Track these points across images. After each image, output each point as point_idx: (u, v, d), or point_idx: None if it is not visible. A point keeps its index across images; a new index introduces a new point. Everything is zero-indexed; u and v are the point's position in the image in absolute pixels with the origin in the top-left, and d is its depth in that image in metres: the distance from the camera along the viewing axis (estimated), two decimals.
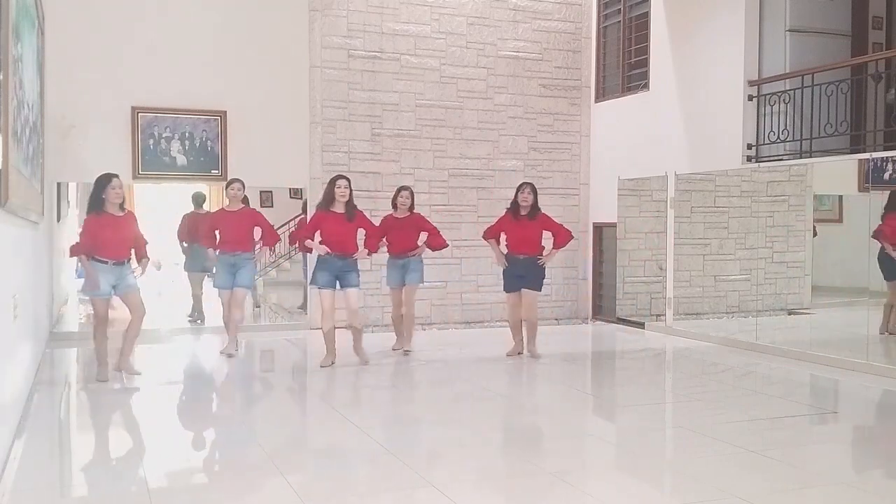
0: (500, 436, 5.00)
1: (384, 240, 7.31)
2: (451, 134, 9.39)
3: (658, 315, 9.05)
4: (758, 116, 7.81)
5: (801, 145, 7.48)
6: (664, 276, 8.90)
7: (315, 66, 8.83)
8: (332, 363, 6.74)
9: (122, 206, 6.18)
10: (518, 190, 7.17)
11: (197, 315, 9.22)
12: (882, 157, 7.05)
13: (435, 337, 8.11)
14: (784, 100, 7.53)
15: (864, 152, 7.16)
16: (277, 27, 8.72)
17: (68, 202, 10.55)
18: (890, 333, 7.43)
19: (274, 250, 8.62)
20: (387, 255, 7.49)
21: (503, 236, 7.21)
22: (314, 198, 8.89)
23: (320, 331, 6.89)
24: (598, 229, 9.99)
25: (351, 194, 6.75)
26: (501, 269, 7.23)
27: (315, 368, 7.01)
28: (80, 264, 6.30)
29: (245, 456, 4.58)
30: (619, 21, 9.68)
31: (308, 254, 6.63)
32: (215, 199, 11.27)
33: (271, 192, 9.58)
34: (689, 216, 8.96)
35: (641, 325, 9.10)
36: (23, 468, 4.02)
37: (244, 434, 5.08)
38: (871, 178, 7.08)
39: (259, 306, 10.04)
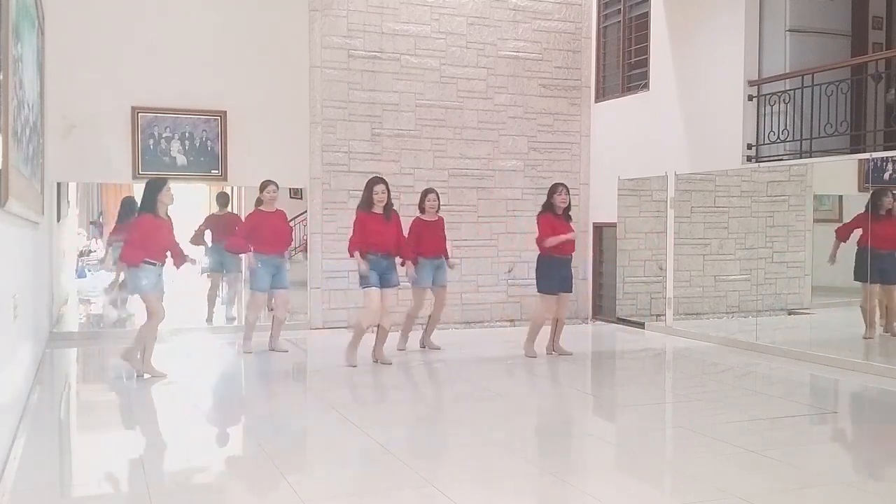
0: (501, 436, 4.99)
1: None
2: (451, 134, 9.39)
3: (658, 315, 9.05)
4: (758, 116, 7.81)
5: (801, 145, 7.48)
6: (664, 276, 8.90)
7: (315, 66, 8.83)
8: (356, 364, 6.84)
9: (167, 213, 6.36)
10: (555, 192, 7.26)
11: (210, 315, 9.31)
12: (882, 157, 7.05)
13: (435, 337, 8.11)
14: (784, 100, 7.53)
15: (864, 152, 7.16)
16: (277, 27, 8.72)
17: (68, 202, 10.55)
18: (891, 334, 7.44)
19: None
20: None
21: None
22: (314, 198, 8.91)
23: (356, 329, 6.93)
24: (598, 229, 9.99)
25: (389, 196, 6.91)
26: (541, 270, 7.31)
27: (315, 369, 7.01)
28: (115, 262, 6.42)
29: (245, 456, 4.59)
30: (619, 21, 9.68)
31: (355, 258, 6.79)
32: (214, 198, 11.26)
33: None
34: (689, 216, 8.96)
35: (641, 325, 9.10)
36: (23, 468, 4.02)
37: (244, 434, 5.08)
38: (871, 178, 7.09)
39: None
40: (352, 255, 6.78)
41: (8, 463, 4.00)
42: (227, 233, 8.52)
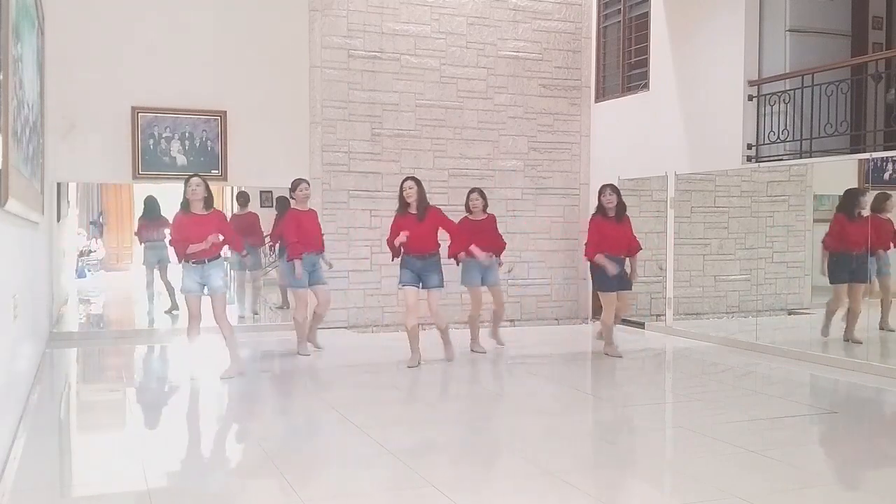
0: (500, 436, 5.00)
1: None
2: (451, 134, 9.39)
3: (658, 315, 9.05)
4: (758, 116, 7.81)
5: (801, 145, 7.48)
6: (664, 276, 8.90)
7: (315, 66, 8.82)
8: (419, 363, 6.82)
9: (207, 205, 6.36)
10: (601, 193, 7.28)
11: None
12: (882, 157, 7.05)
13: (435, 337, 8.10)
14: (784, 100, 7.53)
15: (864, 152, 7.16)
16: (277, 27, 8.71)
17: (68, 202, 10.55)
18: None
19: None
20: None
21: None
22: (314, 198, 8.89)
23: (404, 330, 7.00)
24: None
25: (419, 192, 6.81)
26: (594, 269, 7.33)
27: (315, 368, 7.01)
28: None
29: (245, 456, 4.59)
30: (619, 21, 9.68)
31: (396, 258, 6.91)
32: (215, 199, 11.26)
33: (271, 191, 9.58)
34: (689, 216, 8.96)
35: (641, 325, 9.10)
36: (23, 468, 4.02)
37: (244, 434, 5.08)
38: (871, 178, 7.09)
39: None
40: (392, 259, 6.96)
41: (8, 463, 4.00)
42: (250, 232, 8.75)
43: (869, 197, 7.12)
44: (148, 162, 8.29)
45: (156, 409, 5.76)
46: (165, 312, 9.65)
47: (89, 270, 13.19)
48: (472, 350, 7.64)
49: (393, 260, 6.97)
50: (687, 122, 8.52)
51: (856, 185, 7.39)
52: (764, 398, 6.12)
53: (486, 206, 7.66)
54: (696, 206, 8.98)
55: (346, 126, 8.96)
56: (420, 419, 5.46)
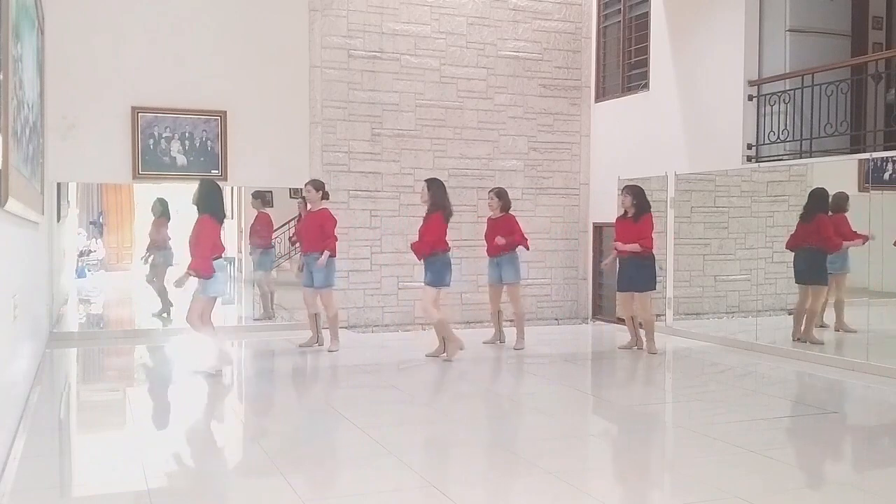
0: (500, 436, 5.00)
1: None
2: (451, 134, 9.39)
3: (658, 315, 9.04)
4: (758, 116, 7.81)
5: (801, 145, 7.48)
6: (664, 276, 8.90)
7: (315, 66, 8.82)
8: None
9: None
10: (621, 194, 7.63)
11: (266, 313, 9.43)
12: (882, 157, 7.05)
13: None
14: (784, 100, 7.53)
15: (864, 152, 7.16)
16: (277, 27, 8.71)
17: (68, 202, 10.56)
18: (800, 340, 7.61)
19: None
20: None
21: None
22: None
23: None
24: (598, 229, 9.99)
25: (430, 195, 7.20)
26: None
27: (315, 368, 7.01)
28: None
29: (245, 456, 4.59)
30: (619, 21, 9.68)
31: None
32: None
33: (271, 191, 9.57)
34: (689, 216, 8.96)
35: (642, 325, 9.08)
36: (23, 468, 4.02)
37: (244, 434, 5.08)
38: (871, 178, 7.09)
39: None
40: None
41: (8, 463, 4.00)
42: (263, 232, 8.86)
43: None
44: (148, 162, 8.29)
45: (156, 408, 5.76)
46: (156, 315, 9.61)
47: (89, 270, 13.21)
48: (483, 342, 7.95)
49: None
50: (687, 122, 8.52)
51: (855, 185, 7.40)
52: (764, 398, 6.12)
53: (502, 205, 7.77)
54: (696, 206, 8.98)
55: (346, 126, 8.96)
56: (420, 419, 5.46)
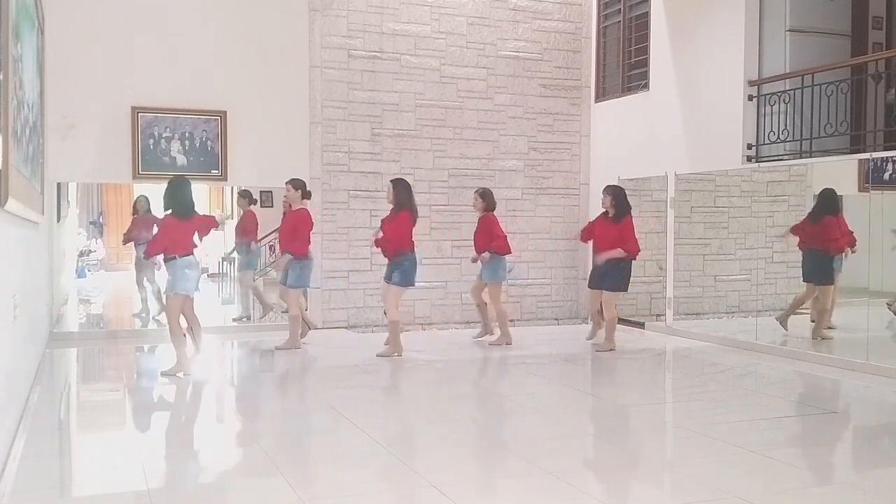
0: (500, 436, 5.00)
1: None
2: (451, 134, 9.39)
3: (658, 315, 9.05)
4: (758, 116, 7.81)
5: (801, 145, 7.48)
6: (664, 276, 8.90)
7: (315, 66, 8.82)
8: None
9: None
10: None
11: (245, 312, 9.48)
12: (882, 157, 7.05)
13: (435, 337, 8.12)
14: (784, 100, 7.53)
15: (864, 152, 7.17)
16: (277, 27, 8.71)
17: (68, 202, 10.56)
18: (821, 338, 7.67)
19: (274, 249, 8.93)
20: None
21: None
22: (314, 198, 8.89)
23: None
24: None
25: (394, 195, 7.24)
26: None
27: (315, 368, 7.01)
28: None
29: (245, 456, 4.58)
30: (619, 21, 9.68)
31: None
32: (215, 199, 11.30)
33: (271, 191, 9.58)
34: (689, 216, 8.96)
35: (641, 325, 9.10)
36: (23, 468, 4.02)
37: (244, 434, 5.08)
38: (871, 178, 7.09)
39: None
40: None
41: (8, 463, 4.00)
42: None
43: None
44: (148, 162, 8.29)
45: (156, 408, 5.76)
46: (155, 317, 9.57)
47: (89, 270, 13.20)
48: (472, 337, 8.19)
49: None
50: (687, 122, 8.52)
51: (855, 185, 7.42)
52: (764, 398, 6.12)
53: (483, 206, 7.94)
54: (696, 206, 8.98)
55: (346, 126, 8.96)
56: (420, 419, 5.46)
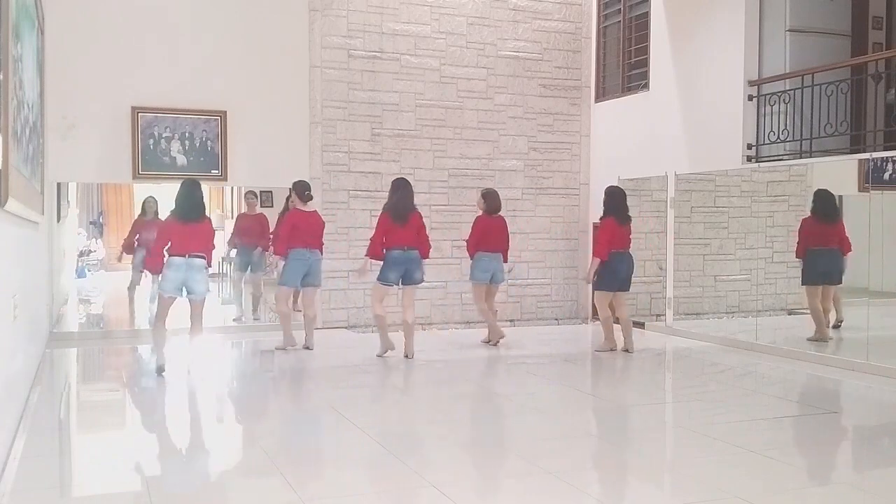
0: (500, 436, 5.00)
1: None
2: (451, 134, 9.39)
3: (658, 315, 9.05)
4: (758, 116, 7.81)
5: (801, 145, 7.48)
6: (664, 276, 8.90)
7: (315, 66, 8.82)
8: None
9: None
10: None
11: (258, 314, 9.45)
12: (882, 157, 7.05)
13: (435, 337, 8.12)
14: (784, 100, 7.53)
15: (864, 152, 7.16)
16: (277, 27, 8.71)
17: (68, 202, 10.55)
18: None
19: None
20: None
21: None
22: (315, 198, 8.89)
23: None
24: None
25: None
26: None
27: (315, 368, 7.01)
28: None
29: (245, 456, 4.59)
30: (619, 21, 9.68)
31: None
32: (215, 199, 11.29)
33: (271, 191, 9.57)
34: (689, 216, 8.96)
35: (641, 325, 9.09)
36: (23, 468, 4.02)
37: (244, 434, 5.08)
38: (871, 178, 7.09)
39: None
40: None
41: (8, 463, 4.00)
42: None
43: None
44: (148, 162, 8.29)
45: (155, 409, 5.75)
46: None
47: (89, 270, 13.20)
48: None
49: None
50: (687, 122, 8.52)
51: (855, 185, 7.42)
52: (764, 398, 6.12)
53: (483, 206, 7.93)
54: (696, 206, 8.98)
55: (346, 126, 8.96)
56: (420, 419, 5.46)
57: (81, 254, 13.02)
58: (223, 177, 8.54)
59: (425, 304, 9.17)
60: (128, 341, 8.27)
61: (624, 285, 7.58)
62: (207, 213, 6.67)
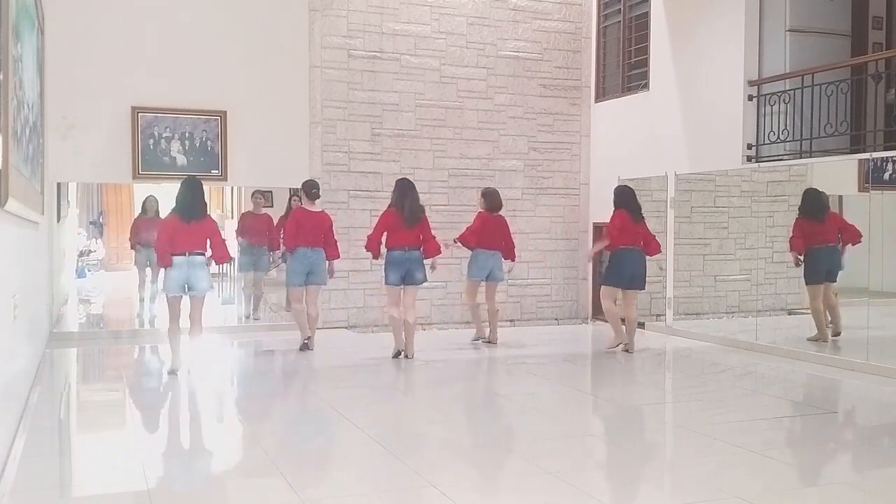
0: (500, 436, 4.99)
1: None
2: (451, 134, 9.39)
3: (658, 315, 9.05)
4: (758, 116, 7.81)
5: (801, 145, 7.49)
6: (664, 276, 8.90)
7: (315, 66, 8.82)
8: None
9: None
10: None
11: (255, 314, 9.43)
12: (882, 157, 7.05)
13: (435, 337, 8.12)
14: (784, 100, 7.53)
15: (864, 152, 7.16)
16: (277, 27, 8.71)
17: (68, 202, 10.56)
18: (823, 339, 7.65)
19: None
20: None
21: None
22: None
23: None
24: (599, 229, 9.96)
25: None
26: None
27: (315, 368, 7.02)
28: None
29: (245, 456, 4.59)
30: (619, 21, 9.68)
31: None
32: (215, 199, 11.30)
33: (271, 191, 9.58)
34: (689, 216, 8.96)
35: (641, 325, 9.08)
36: (23, 468, 4.02)
37: (245, 434, 5.08)
38: (871, 178, 7.09)
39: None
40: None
41: (8, 463, 4.00)
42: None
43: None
44: (148, 162, 8.29)
45: (156, 408, 5.75)
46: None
47: (89, 270, 13.20)
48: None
49: None
50: (687, 122, 8.52)
51: (855, 185, 7.43)
52: (764, 398, 6.12)
53: (483, 205, 7.98)
54: (696, 206, 8.98)
55: (346, 126, 8.96)
56: (420, 419, 5.46)
57: (81, 254, 13.03)
58: (223, 177, 8.54)
59: (425, 304, 9.17)
60: (128, 341, 8.27)
61: (633, 283, 7.55)
62: (209, 212, 6.68)
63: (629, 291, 7.58)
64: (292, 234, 7.37)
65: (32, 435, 4.62)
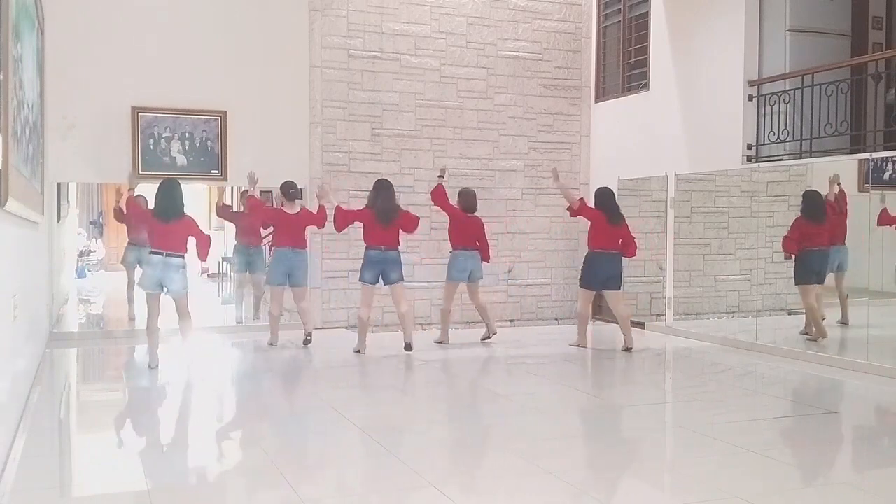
0: (500, 436, 4.99)
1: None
2: (451, 134, 9.39)
3: (658, 315, 9.05)
4: (758, 116, 7.81)
5: (801, 145, 7.49)
6: (664, 276, 8.90)
7: (315, 66, 8.82)
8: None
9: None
10: None
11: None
12: (882, 157, 7.05)
13: (434, 336, 8.11)
14: (784, 100, 7.53)
15: (864, 152, 7.17)
16: (277, 27, 8.71)
17: (68, 202, 10.57)
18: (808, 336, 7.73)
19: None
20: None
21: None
22: (314, 198, 8.90)
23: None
24: None
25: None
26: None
27: (315, 368, 7.02)
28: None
29: (245, 456, 4.59)
30: (619, 21, 9.68)
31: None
32: (214, 198, 11.30)
33: (271, 191, 9.56)
34: (689, 216, 8.96)
35: (641, 325, 9.09)
36: (23, 468, 4.02)
37: (244, 434, 5.08)
38: (871, 178, 7.09)
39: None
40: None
41: (8, 463, 4.00)
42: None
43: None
44: (148, 162, 8.29)
45: (156, 409, 5.75)
46: None
47: (89, 270, 13.22)
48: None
49: None
50: (687, 122, 8.52)
51: (856, 185, 7.44)
52: (764, 398, 6.12)
53: (458, 204, 8.08)
54: (696, 206, 8.98)
55: (346, 126, 8.96)
56: (420, 419, 5.46)
57: (81, 254, 13.04)
58: (223, 177, 8.55)
59: (425, 304, 9.17)
60: (128, 341, 8.27)
61: (608, 284, 7.68)
62: (187, 212, 6.75)
63: (608, 292, 7.70)
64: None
65: (32, 435, 4.62)
